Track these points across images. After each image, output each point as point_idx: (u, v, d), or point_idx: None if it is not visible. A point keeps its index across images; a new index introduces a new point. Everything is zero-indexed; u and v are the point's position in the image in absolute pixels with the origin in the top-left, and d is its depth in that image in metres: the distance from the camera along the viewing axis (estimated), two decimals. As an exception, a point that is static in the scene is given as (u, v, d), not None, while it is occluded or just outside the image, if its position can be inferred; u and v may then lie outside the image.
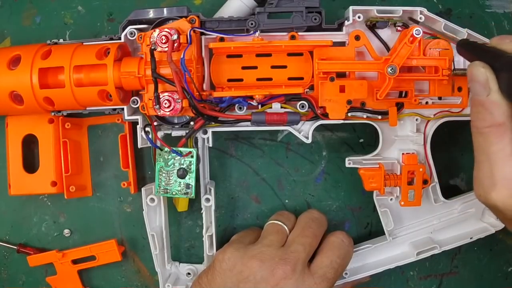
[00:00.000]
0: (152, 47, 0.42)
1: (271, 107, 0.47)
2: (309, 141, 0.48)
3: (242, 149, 0.54)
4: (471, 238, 0.50)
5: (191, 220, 0.54)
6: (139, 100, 0.46)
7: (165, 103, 0.44)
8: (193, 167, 0.46)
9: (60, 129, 0.50)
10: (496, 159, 0.33)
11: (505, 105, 0.32)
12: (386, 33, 0.47)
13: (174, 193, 0.47)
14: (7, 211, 0.54)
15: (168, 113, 0.44)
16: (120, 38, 0.46)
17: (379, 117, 0.47)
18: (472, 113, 0.34)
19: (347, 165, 0.49)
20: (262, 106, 0.47)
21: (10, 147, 0.50)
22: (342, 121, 0.47)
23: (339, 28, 0.47)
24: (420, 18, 0.45)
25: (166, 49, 0.42)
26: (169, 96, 0.44)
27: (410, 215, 0.51)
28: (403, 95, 0.47)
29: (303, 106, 0.47)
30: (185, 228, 0.54)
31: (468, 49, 0.35)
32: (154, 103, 0.43)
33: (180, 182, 0.47)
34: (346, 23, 0.46)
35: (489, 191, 0.34)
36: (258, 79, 0.47)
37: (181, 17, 0.45)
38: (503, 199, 0.33)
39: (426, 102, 0.47)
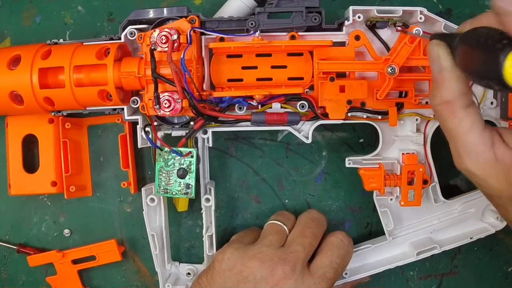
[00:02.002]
0: (152, 47, 0.42)
1: (271, 107, 0.47)
2: (309, 141, 0.48)
3: (242, 149, 0.54)
4: (471, 238, 0.50)
5: (191, 220, 0.54)
6: (139, 100, 0.46)
7: (165, 103, 0.44)
8: (193, 167, 0.46)
9: (60, 129, 0.50)
10: (455, 135, 0.34)
11: (456, 83, 0.33)
12: (386, 33, 0.47)
13: (174, 193, 0.47)
14: (7, 211, 0.54)
15: (168, 113, 0.44)
16: (120, 38, 0.46)
17: (379, 117, 0.47)
18: (430, 92, 0.36)
19: (347, 165, 0.49)
20: (262, 106, 0.47)
21: (10, 147, 0.50)
22: (342, 121, 0.47)
23: (339, 28, 0.47)
24: (420, 18, 0.45)
25: (166, 49, 0.42)
26: (169, 96, 0.44)
27: (410, 215, 0.51)
28: (403, 95, 0.47)
29: (303, 106, 0.47)
30: (185, 228, 0.54)
31: (439, 38, 0.36)
32: (154, 103, 0.43)
33: (180, 182, 0.47)
34: (346, 23, 0.46)
35: (459, 162, 0.35)
36: (258, 79, 0.47)
37: (181, 17, 0.45)
38: (471, 170, 0.34)
39: (426, 102, 0.47)
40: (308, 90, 0.47)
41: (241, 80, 0.47)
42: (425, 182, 0.48)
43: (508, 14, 0.29)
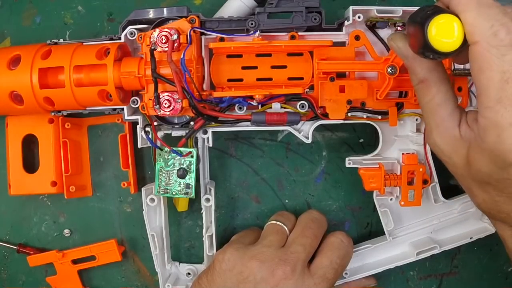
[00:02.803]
0: (152, 47, 0.42)
1: (271, 107, 0.47)
2: (309, 141, 0.48)
3: (242, 149, 0.54)
4: (471, 238, 0.50)
5: (191, 220, 0.54)
6: (139, 100, 0.46)
7: (165, 103, 0.44)
8: (193, 167, 0.46)
9: (60, 129, 0.50)
10: (428, 109, 0.37)
11: (420, 61, 0.36)
12: (386, 33, 0.47)
13: (174, 193, 0.47)
14: (7, 211, 0.54)
15: (168, 113, 0.44)
16: (120, 38, 0.46)
17: (379, 117, 0.47)
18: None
19: (347, 165, 0.49)
20: (262, 106, 0.47)
21: (10, 147, 0.50)
22: (342, 121, 0.47)
23: (339, 28, 0.47)
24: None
25: (166, 49, 0.42)
26: (169, 96, 0.44)
27: (410, 215, 0.51)
28: (403, 95, 0.47)
29: (303, 106, 0.47)
30: (185, 228, 0.54)
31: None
32: (154, 103, 0.43)
33: (180, 182, 0.47)
34: (346, 23, 0.46)
35: (428, 137, 0.38)
36: (258, 79, 0.47)
37: (181, 17, 0.45)
38: (438, 143, 0.37)
39: (426, 102, 0.47)
40: (308, 90, 0.47)
41: (241, 80, 0.47)
42: (425, 182, 0.48)
43: None
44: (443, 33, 0.30)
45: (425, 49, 0.32)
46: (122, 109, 0.46)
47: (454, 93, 0.37)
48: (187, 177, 0.46)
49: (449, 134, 0.36)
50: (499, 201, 0.35)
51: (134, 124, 0.50)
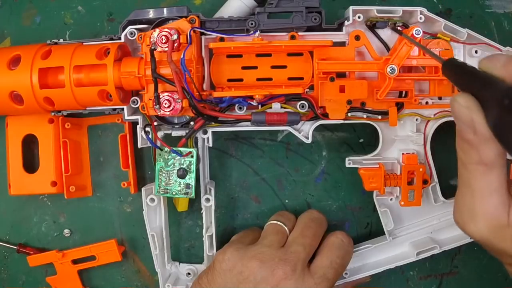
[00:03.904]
0: (152, 47, 0.42)
1: (271, 107, 0.47)
2: (309, 141, 0.48)
3: (242, 149, 0.54)
4: (471, 238, 0.50)
5: (191, 220, 0.54)
6: (139, 100, 0.46)
7: (165, 103, 0.44)
8: (193, 167, 0.46)
9: (60, 129, 0.50)
10: (479, 194, 0.33)
11: (493, 143, 0.30)
12: (386, 33, 0.47)
13: (174, 193, 0.47)
14: (7, 211, 0.54)
15: (168, 113, 0.44)
16: (120, 38, 0.46)
17: (379, 117, 0.47)
18: (458, 147, 0.33)
19: (347, 165, 0.48)
20: (262, 106, 0.47)
21: (10, 147, 0.50)
22: (342, 121, 0.47)
23: (339, 28, 0.47)
24: (420, 18, 0.45)
25: (166, 49, 0.42)
26: (169, 96, 0.44)
27: (410, 215, 0.51)
28: (403, 95, 0.47)
29: (303, 106, 0.47)
30: (185, 228, 0.54)
31: (454, 71, 0.31)
32: (154, 103, 0.43)
33: (180, 182, 0.47)
34: (346, 23, 0.46)
35: (468, 222, 0.34)
36: (258, 79, 0.47)
37: (181, 17, 0.45)
38: (480, 233, 0.33)
39: (426, 102, 0.47)
40: (308, 90, 0.47)
41: (241, 80, 0.47)
42: (425, 182, 0.48)
43: None
44: None
45: None
46: (122, 109, 0.46)
47: (506, 172, 0.33)
48: (187, 177, 0.46)
49: (496, 223, 0.33)
50: None
51: (134, 124, 0.50)
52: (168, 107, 0.44)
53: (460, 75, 0.30)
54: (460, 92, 0.31)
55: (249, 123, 0.47)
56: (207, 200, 0.49)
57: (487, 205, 0.33)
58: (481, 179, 0.32)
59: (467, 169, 0.32)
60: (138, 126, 0.47)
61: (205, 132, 0.48)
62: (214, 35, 0.46)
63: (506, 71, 0.28)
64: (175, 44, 0.43)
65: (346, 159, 0.49)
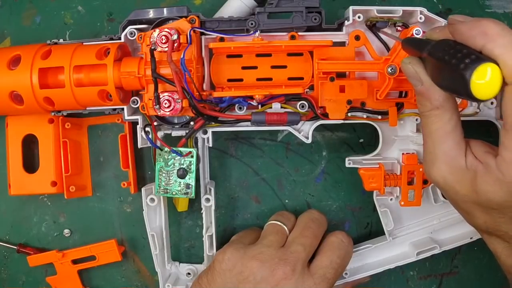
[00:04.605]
0: (152, 47, 0.43)
1: (271, 107, 0.47)
2: (309, 141, 0.48)
3: (242, 149, 0.54)
4: (471, 238, 0.50)
5: (191, 220, 0.54)
6: (139, 100, 0.46)
7: (165, 103, 0.44)
8: (193, 167, 0.46)
9: (60, 129, 0.50)
10: (437, 136, 0.36)
11: (439, 90, 0.35)
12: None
13: (174, 193, 0.47)
14: (7, 211, 0.54)
15: (168, 113, 0.44)
16: (120, 38, 0.46)
17: (379, 117, 0.47)
18: (417, 101, 0.38)
19: (347, 165, 0.49)
20: (262, 106, 0.47)
21: (10, 147, 0.50)
22: (342, 121, 0.47)
23: (339, 28, 0.47)
24: (420, 18, 0.45)
25: (166, 49, 0.42)
26: (169, 96, 0.44)
27: (410, 215, 0.51)
28: (403, 95, 0.47)
29: (303, 106, 0.47)
30: (185, 228, 0.54)
31: (409, 45, 0.38)
32: (154, 103, 0.43)
33: (180, 182, 0.47)
34: (346, 23, 0.46)
35: (431, 166, 0.37)
36: (258, 79, 0.47)
37: (181, 17, 0.45)
38: (442, 174, 0.36)
39: (426, 102, 0.47)
40: (308, 90, 0.47)
41: (241, 80, 0.47)
42: (425, 182, 0.48)
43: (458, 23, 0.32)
44: (488, 83, 0.29)
45: (460, 92, 0.31)
46: (122, 109, 0.46)
47: (460, 120, 0.36)
48: (187, 177, 0.46)
49: (455, 164, 0.36)
50: (500, 221, 0.36)
51: (134, 124, 0.50)
52: (168, 107, 0.44)
53: (412, 47, 0.37)
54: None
55: (249, 123, 0.47)
56: (207, 200, 0.49)
57: (444, 146, 0.36)
58: (436, 122, 0.36)
59: (425, 117, 0.37)
60: (138, 126, 0.47)
61: (205, 132, 0.48)
62: (214, 35, 0.46)
63: (442, 34, 0.35)
64: (175, 44, 0.43)
65: (346, 159, 0.49)
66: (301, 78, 0.47)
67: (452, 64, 0.30)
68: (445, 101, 0.35)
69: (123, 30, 0.46)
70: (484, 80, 0.29)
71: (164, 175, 0.47)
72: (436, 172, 0.37)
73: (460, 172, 0.36)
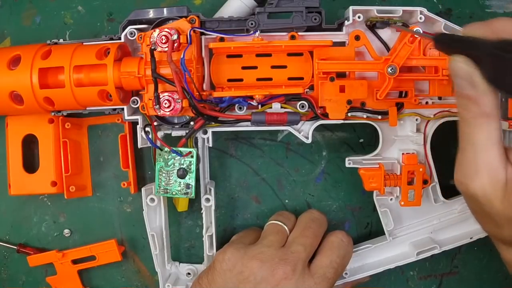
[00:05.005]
0: (152, 47, 0.42)
1: (271, 107, 0.47)
2: (309, 141, 0.48)
3: (242, 149, 0.54)
4: (471, 238, 0.50)
5: (191, 220, 0.54)
6: (139, 100, 0.46)
7: (165, 103, 0.44)
8: (193, 167, 0.46)
9: (60, 129, 0.50)
10: (481, 147, 0.34)
11: (491, 95, 0.32)
12: (386, 33, 0.47)
13: (174, 193, 0.47)
14: (7, 211, 0.54)
15: (168, 113, 0.44)
16: (120, 38, 0.46)
17: (379, 117, 0.47)
18: (459, 105, 0.35)
19: (347, 165, 0.49)
20: (262, 106, 0.47)
21: (10, 147, 0.50)
22: (342, 121, 0.47)
23: (339, 28, 0.47)
24: (420, 18, 0.45)
25: (166, 49, 0.42)
26: (169, 96, 0.44)
27: (410, 215, 0.51)
28: (403, 95, 0.47)
29: (303, 106, 0.47)
30: (185, 228, 0.54)
31: (445, 42, 0.35)
32: (154, 103, 0.43)
33: (180, 182, 0.47)
34: (346, 23, 0.46)
35: (471, 177, 0.34)
36: (258, 79, 0.47)
37: (181, 17, 0.45)
38: (483, 186, 0.34)
39: (426, 102, 0.47)
40: (308, 90, 0.47)
41: (241, 80, 0.47)
42: (425, 182, 0.48)
43: None
44: None
45: None
46: (122, 109, 0.46)
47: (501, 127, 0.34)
48: (187, 177, 0.46)
49: (496, 177, 0.34)
50: None
51: (134, 124, 0.50)
52: (168, 107, 0.44)
53: (451, 45, 0.34)
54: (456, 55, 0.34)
55: (249, 123, 0.47)
56: (207, 200, 0.49)
57: (490, 157, 0.33)
58: (483, 131, 0.33)
59: (469, 124, 0.34)
60: (138, 126, 0.47)
61: (205, 132, 0.48)
62: (214, 35, 0.46)
63: (485, 31, 0.32)
64: (175, 44, 0.43)
65: (346, 159, 0.49)
66: (301, 78, 0.47)
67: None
68: (495, 108, 0.33)
69: (123, 30, 0.46)
70: None
71: (164, 175, 0.47)
72: (477, 185, 0.34)
73: (501, 186, 0.33)
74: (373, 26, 0.46)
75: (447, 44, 0.34)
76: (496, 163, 0.33)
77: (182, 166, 0.46)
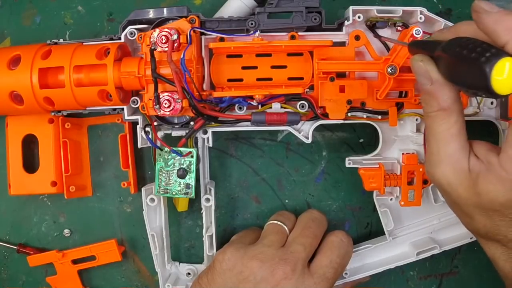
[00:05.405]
0: (152, 47, 0.42)
1: (271, 107, 0.47)
2: (309, 141, 0.48)
3: (242, 149, 0.54)
4: (471, 238, 0.50)
5: (191, 220, 0.54)
6: (139, 100, 0.46)
7: (165, 103, 0.44)
8: (193, 167, 0.46)
9: (60, 129, 0.50)
10: (442, 138, 0.36)
11: (448, 90, 0.35)
12: (386, 33, 0.47)
13: (174, 193, 0.47)
14: (7, 211, 0.54)
15: (168, 113, 0.44)
16: (120, 38, 0.46)
17: (379, 117, 0.47)
18: (422, 100, 0.37)
19: (347, 165, 0.49)
20: (262, 106, 0.47)
21: (10, 147, 0.50)
22: (342, 121, 0.47)
23: (339, 28, 0.47)
24: (420, 18, 0.45)
25: (166, 49, 0.42)
26: (169, 96, 0.44)
27: (410, 215, 0.51)
28: (403, 95, 0.47)
29: (303, 106, 0.47)
30: (185, 228, 0.54)
31: (417, 46, 0.38)
32: (154, 103, 0.43)
33: (180, 182, 0.47)
34: (346, 23, 0.46)
35: (435, 167, 0.37)
36: (258, 79, 0.47)
37: (181, 17, 0.45)
38: (447, 175, 0.36)
39: (426, 102, 0.47)
40: (308, 90, 0.47)
41: (241, 80, 0.47)
42: (425, 182, 0.48)
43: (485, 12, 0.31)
44: (509, 78, 0.29)
45: (478, 87, 0.30)
46: (122, 109, 0.46)
47: (464, 121, 0.36)
48: (187, 177, 0.46)
49: (459, 166, 0.36)
50: (500, 224, 0.36)
51: (134, 124, 0.50)
52: (168, 107, 0.44)
53: (420, 48, 0.37)
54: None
55: (249, 123, 0.47)
56: (207, 200, 0.49)
57: (450, 148, 0.36)
58: (442, 124, 0.36)
59: (430, 118, 0.36)
60: (138, 126, 0.47)
61: (205, 132, 0.48)
62: (214, 35, 0.46)
63: (451, 34, 0.34)
64: (175, 44, 0.43)
65: (346, 159, 0.49)
66: (301, 78, 0.47)
67: (471, 58, 0.30)
68: (453, 103, 0.35)
69: (123, 30, 0.46)
70: (504, 74, 0.29)
71: (164, 175, 0.47)
72: (440, 174, 0.37)
73: (464, 175, 0.35)
74: (373, 26, 0.46)
75: (419, 47, 0.37)
76: (457, 154, 0.36)
77: (182, 166, 0.46)
